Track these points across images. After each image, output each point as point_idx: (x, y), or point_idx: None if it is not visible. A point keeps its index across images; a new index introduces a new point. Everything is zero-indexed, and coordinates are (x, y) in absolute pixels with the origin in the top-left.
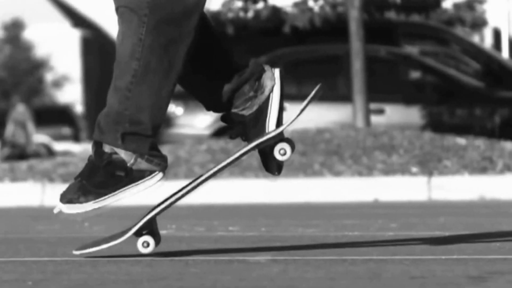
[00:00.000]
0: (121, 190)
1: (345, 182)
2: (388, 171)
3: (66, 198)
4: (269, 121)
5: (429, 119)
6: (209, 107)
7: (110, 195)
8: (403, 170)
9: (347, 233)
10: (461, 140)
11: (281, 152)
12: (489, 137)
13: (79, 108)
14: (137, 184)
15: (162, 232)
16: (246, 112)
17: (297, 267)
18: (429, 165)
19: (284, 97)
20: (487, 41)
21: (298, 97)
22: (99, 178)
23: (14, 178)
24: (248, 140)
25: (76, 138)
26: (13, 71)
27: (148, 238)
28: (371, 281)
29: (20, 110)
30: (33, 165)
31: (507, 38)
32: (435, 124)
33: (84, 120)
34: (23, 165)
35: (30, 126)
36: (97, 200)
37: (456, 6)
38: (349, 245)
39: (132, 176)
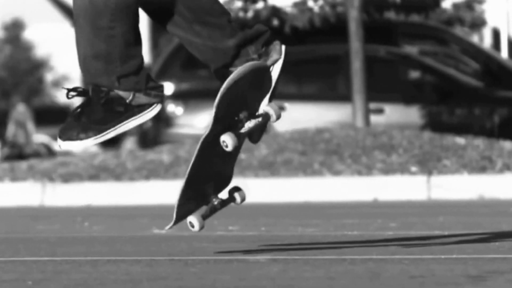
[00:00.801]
0: (121, 124)
1: (344, 182)
2: (388, 170)
3: (65, 135)
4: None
5: (428, 118)
6: (211, 61)
7: (110, 130)
8: (403, 169)
9: (347, 233)
10: (460, 140)
11: (224, 144)
12: (488, 137)
13: None
14: (137, 118)
15: (162, 231)
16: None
17: (297, 267)
18: (428, 165)
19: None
20: (486, 41)
21: (298, 97)
22: (98, 115)
23: (14, 178)
24: None
25: None
26: (13, 71)
27: (192, 219)
28: (370, 281)
29: (20, 110)
30: (33, 165)
31: (506, 38)
32: (435, 124)
33: None
34: (23, 165)
35: (30, 126)
36: (97, 136)
37: (455, 6)
38: (349, 244)
39: (131, 111)
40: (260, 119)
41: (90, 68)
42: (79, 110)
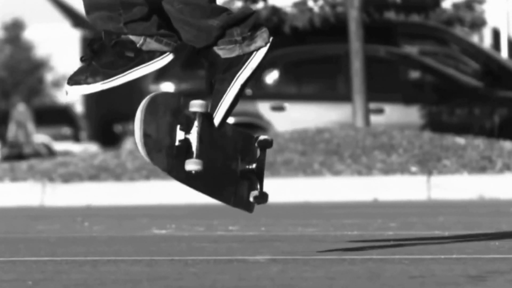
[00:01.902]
0: (130, 71)
1: (344, 182)
2: (388, 170)
3: (73, 80)
4: (239, 76)
5: (428, 118)
6: (195, 42)
7: (119, 76)
8: (403, 169)
9: (347, 233)
10: (460, 140)
11: None
12: (488, 137)
13: (79, 108)
14: (147, 65)
15: (161, 232)
16: (223, 54)
17: (297, 267)
18: (428, 165)
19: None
20: (486, 41)
21: (298, 97)
22: (108, 58)
23: (14, 178)
24: (212, 84)
25: (76, 138)
26: (13, 71)
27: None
28: (370, 281)
29: (20, 109)
30: (33, 165)
31: (506, 38)
32: (435, 124)
33: (84, 120)
34: (23, 165)
35: (30, 126)
36: (105, 81)
37: (455, 6)
38: (349, 244)
39: (142, 57)
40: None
41: (96, 17)
42: (91, 54)
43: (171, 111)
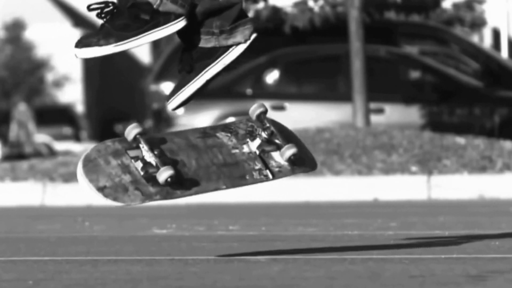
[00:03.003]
0: (144, 34)
1: (345, 181)
2: (388, 170)
3: (83, 42)
4: (209, 70)
5: (428, 118)
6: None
7: (132, 38)
8: (403, 169)
9: (347, 232)
10: (461, 140)
11: None
12: (489, 137)
13: (79, 108)
14: (161, 29)
15: (162, 231)
16: (199, 43)
17: (297, 266)
18: (428, 164)
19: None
20: (486, 41)
21: (298, 97)
22: (123, 20)
23: (15, 178)
24: (190, 71)
25: (76, 137)
26: (14, 71)
27: (173, 174)
28: (370, 280)
29: (21, 109)
30: (34, 164)
31: (506, 38)
32: (435, 124)
33: (85, 120)
34: (24, 164)
35: (31, 125)
36: (118, 43)
37: (456, 6)
38: (349, 244)
39: (157, 20)
40: None
41: None
42: (104, 16)
43: (113, 155)
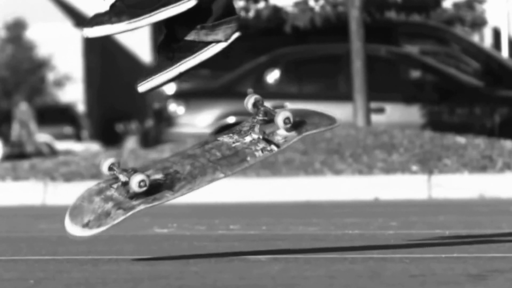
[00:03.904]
0: (158, 11)
1: (345, 181)
2: (389, 169)
3: (94, 21)
4: (184, 63)
5: (429, 118)
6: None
7: (145, 16)
8: (403, 168)
9: (348, 232)
10: (461, 139)
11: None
12: (489, 136)
13: (81, 107)
14: (174, 6)
15: (163, 231)
16: (181, 34)
17: (298, 266)
18: (429, 164)
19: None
20: (487, 41)
21: (299, 96)
22: None
23: (16, 177)
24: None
25: (78, 137)
26: (15, 71)
27: (145, 177)
28: (371, 280)
29: (22, 109)
30: (35, 164)
31: (507, 38)
32: (435, 123)
33: (86, 120)
34: (25, 164)
35: (33, 125)
36: (131, 20)
37: (456, 5)
38: (350, 243)
39: None
40: None
41: None
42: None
43: (96, 194)
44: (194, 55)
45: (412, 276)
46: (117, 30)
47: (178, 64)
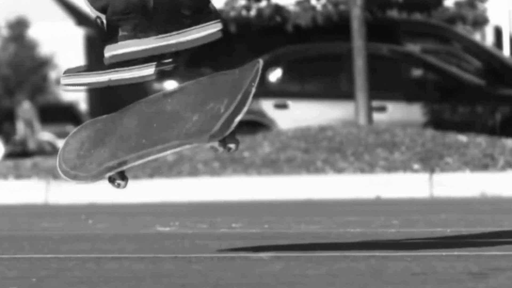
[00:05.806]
0: (185, 30)
1: (347, 179)
2: (390, 168)
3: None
4: (117, 73)
5: (430, 116)
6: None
7: (173, 33)
8: (405, 167)
9: (349, 230)
10: (463, 137)
11: None
12: (491, 135)
13: (83, 106)
14: (200, 27)
15: (165, 229)
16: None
17: (300, 264)
18: (430, 162)
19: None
20: (488, 39)
21: (301, 95)
22: (162, 16)
23: (19, 175)
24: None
25: None
26: (17, 69)
27: (119, 180)
28: (372, 278)
29: (25, 107)
30: (37, 162)
31: (508, 36)
32: (437, 122)
33: (88, 118)
34: (27, 162)
35: (36, 123)
36: (159, 36)
37: (458, 4)
38: (351, 241)
39: (196, 18)
40: None
41: None
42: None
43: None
44: (128, 68)
45: (414, 274)
46: (145, 45)
47: (111, 71)
